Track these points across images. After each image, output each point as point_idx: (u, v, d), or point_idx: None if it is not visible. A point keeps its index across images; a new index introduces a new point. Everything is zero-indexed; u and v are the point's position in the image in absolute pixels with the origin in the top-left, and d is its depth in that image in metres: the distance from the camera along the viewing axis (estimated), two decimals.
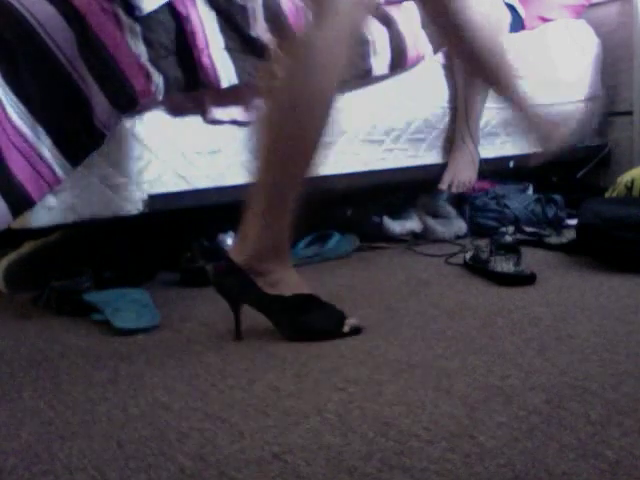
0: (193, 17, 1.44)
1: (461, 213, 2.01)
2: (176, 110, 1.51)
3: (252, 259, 1.08)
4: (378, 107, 1.81)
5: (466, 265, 1.56)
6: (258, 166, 1.08)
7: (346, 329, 1.09)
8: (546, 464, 0.65)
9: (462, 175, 1.97)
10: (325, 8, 1.01)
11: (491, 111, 2.05)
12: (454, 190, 1.98)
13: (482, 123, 2.02)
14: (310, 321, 1.09)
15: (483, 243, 1.61)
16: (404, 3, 1.91)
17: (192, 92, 1.49)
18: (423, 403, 0.81)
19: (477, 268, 1.50)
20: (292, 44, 1.10)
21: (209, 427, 0.78)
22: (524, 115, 1.41)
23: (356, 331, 1.10)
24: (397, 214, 1.97)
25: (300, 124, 1.03)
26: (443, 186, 1.98)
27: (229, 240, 1.62)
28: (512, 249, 1.46)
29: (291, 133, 1.03)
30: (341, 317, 1.11)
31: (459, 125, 1.98)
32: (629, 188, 1.81)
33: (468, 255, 1.58)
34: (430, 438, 0.72)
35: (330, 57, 1.02)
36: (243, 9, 1.49)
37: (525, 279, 1.39)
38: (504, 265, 1.42)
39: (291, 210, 1.07)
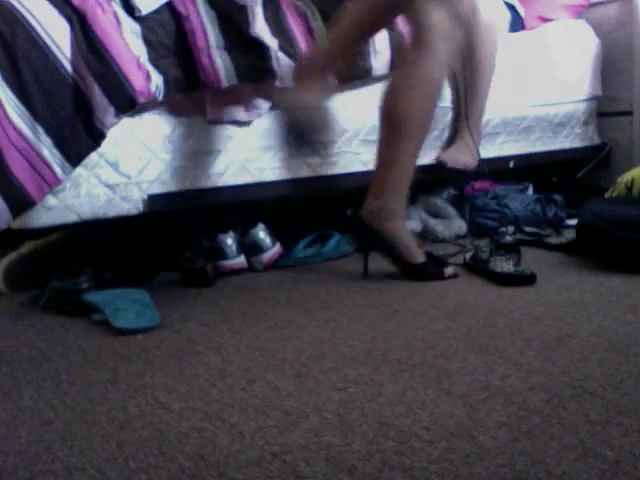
0: (193, 17, 1.44)
1: (461, 213, 2.01)
2: (176, 110, 1.51)
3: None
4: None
5: (466, 265, 1.56)
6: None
7: (448, 272, 1.47)
8: (546, 464, 0.65)
9: (460, 157, 1.96)
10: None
11: (491, 111, 2.05)
12: (450, 165, 1.95)
13: (482, 122, 2.02)
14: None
15: (483, 243, 1.61)
16: None
17: (192, 92, 1.49)
18: (423, 403, 0.81)
19: (477, 268, 1.50)
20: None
21: (209, 427, 0.78)
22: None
23: (454, 276, 1.47)
24: None
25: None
26: (442, 158, 1.95)
27: (229, 240, 1.62)
28: (512, 249, 1.46)
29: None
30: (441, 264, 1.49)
31: (460, 125, 1.98)
32: (629, 188, 1.81)
33: (468, 255, 1.58)
34: (430, 438, 0.72)
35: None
36: (243, 9, 1.49)
37: (525, 279, 1.39)
38: (504, 265, 1.42)
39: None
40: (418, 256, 1.48)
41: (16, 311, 1.35)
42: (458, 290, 1.37)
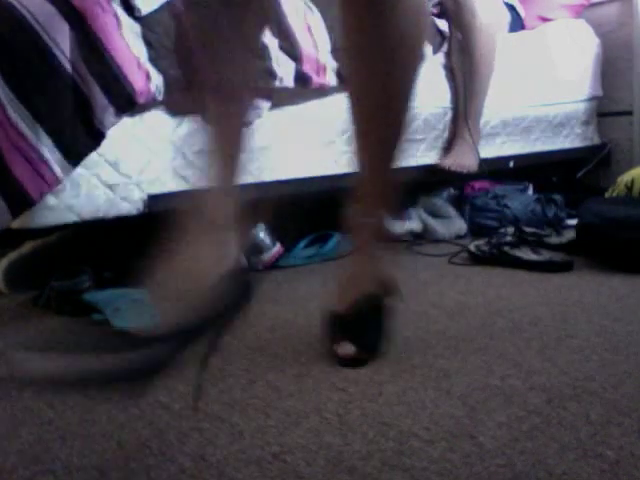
0: None
1: (461, 213, 2.01)
2: (176, 110, 1.51)
3: None
4: None
5: (477, 257, 1.56)
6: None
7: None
8: (546, 464, 0.65)
9: (463, 160, 1.96)
10: None
11: (491, 111, 2.05)
12: (453, 169, 1.96)
13: (482, 123, 2.02)
14: None
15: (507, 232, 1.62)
16: None
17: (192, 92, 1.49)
18: (423, 403, 0.81)
19: (494, 258, 1.50)
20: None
21: (209, 427, 0.78)
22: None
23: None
24: (397, 214, 1.97)
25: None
26: (444, 164, 1.96)
27: None
28: (527, 242, 1.48)
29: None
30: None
31: (460, 125, 1.98)
32: (629, 188, 1.81)
33: (473, 246, 1.59)
34: (430, 438, 0.72)
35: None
36: None
37: (563, 265, 1.40)
38: (531, 254, 1.43)
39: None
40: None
41: (16, 311, 1.35)
42: (458, 290, 1.37)
